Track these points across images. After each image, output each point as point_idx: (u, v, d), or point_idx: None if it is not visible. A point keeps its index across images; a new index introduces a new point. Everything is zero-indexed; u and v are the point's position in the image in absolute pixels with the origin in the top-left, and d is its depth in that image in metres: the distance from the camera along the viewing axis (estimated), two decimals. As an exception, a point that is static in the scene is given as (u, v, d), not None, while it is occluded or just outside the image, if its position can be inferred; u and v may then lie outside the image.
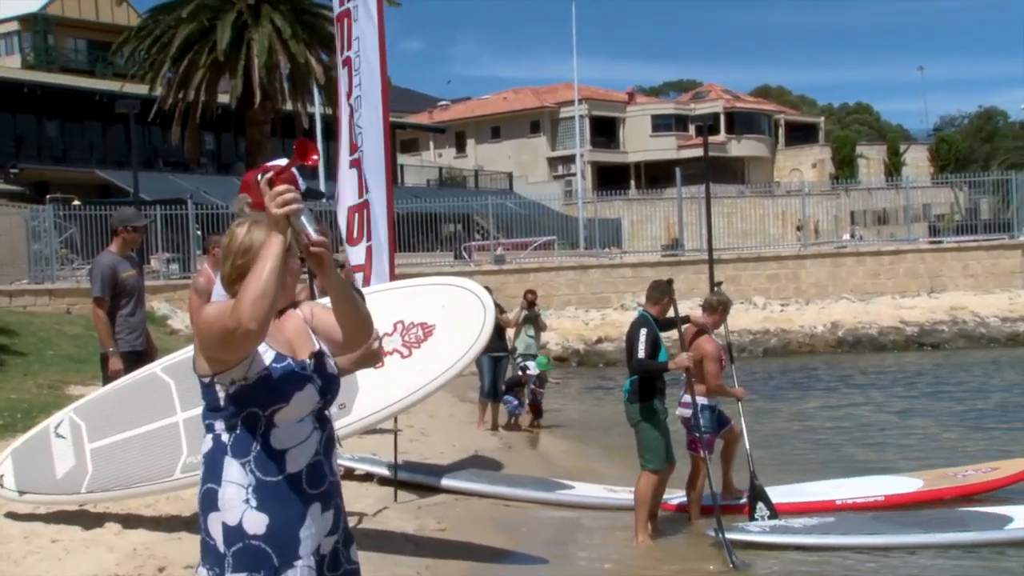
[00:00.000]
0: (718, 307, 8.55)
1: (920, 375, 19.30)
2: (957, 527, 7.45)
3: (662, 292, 8.01)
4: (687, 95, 73.10)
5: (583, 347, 24.40)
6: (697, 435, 7.91)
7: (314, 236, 3.06)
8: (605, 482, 9.79)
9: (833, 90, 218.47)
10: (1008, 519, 7.48)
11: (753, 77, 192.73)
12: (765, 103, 71.37)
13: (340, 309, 3.24)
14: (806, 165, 62.74)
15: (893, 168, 55.41)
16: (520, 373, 13.59)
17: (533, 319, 14.14)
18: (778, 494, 8.37)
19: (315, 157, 3.11)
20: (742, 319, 25.97)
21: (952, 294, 27.31)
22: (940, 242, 31.65)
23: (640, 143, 63.78)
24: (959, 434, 12.55)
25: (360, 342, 3.38)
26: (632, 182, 59.03)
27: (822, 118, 73.47)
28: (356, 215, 8.63)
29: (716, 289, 9.10)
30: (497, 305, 13.57)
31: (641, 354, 7.51)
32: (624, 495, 9.08)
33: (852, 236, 36.89)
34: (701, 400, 8.03)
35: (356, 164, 8.60)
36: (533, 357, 13.88)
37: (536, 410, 13.62)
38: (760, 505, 8.06)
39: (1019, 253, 29.41)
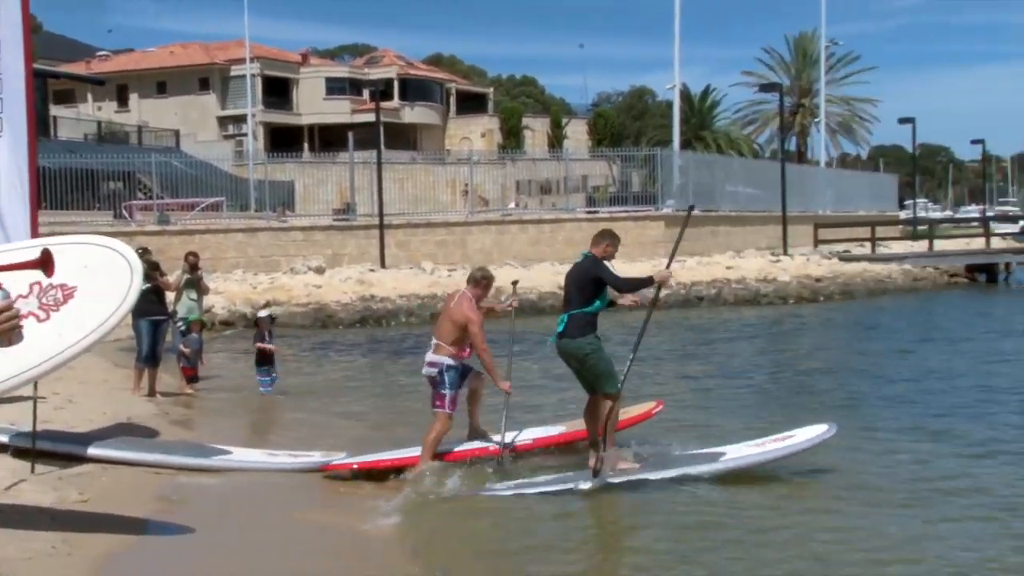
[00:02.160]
0: (482, 281, 9.05)
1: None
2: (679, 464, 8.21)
3: (604, 236, 8.45)
4: (361, 59, 72.96)
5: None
6: (443, 392, 8.51)
7: None
8: (266, 446, 9.72)
9: (502, 62, 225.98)
10: (722, 453, 8.34)
11: (426, 45, 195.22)
12: (438, 71, 72.63)
13: None
14: (476, 134, 64.61)
15: (556, 140, 58.29)
16: (183, 338, 13.13)
17: (195, 282, 13.69)
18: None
19: None
20: (411, 283, 26.48)
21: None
22: (596, 212, 33.75)
23: (314, 106, 63.01)
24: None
25: None
26: (305, 145, 58.30)
27: (491, 89, 75.83)
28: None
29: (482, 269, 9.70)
30: (156, 266, 13.10)
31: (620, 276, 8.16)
32: (284, 459, 9.07)
33: (517, 205, 38.50)
34: (448, 360, 8.56)
35: (-10, 110, 7.94)
36: (197, 321, 13.47)
37: (191, 374, 13.17)
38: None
39: (662, 224, 31.96)
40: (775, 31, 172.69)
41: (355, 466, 8.63)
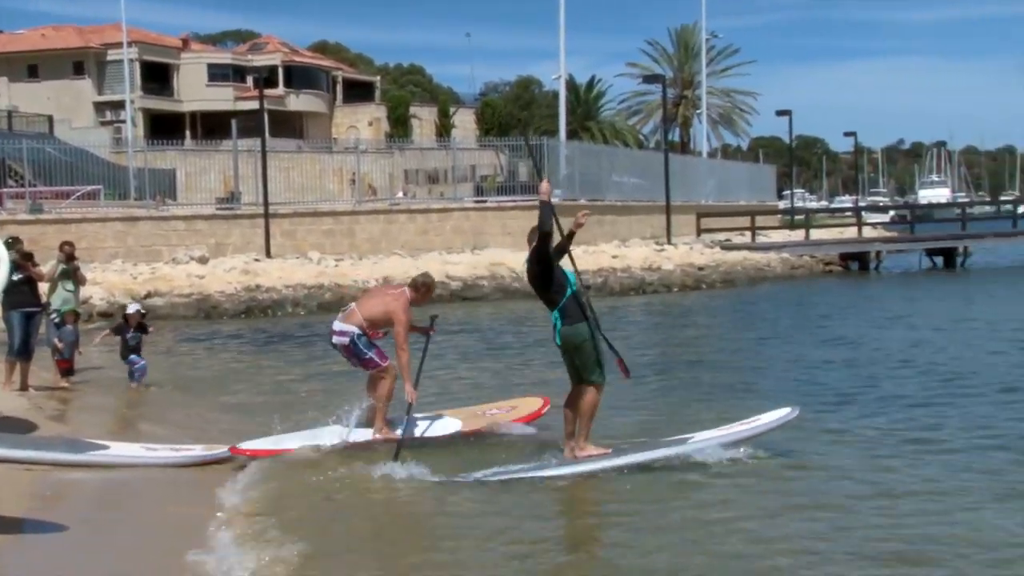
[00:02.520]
0: (422, 287, 9.08)
1: (468, 324, 20.45)
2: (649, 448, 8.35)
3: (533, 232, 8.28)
4: (244, 46, 71.53)
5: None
6: (366, 356, 8.78)
7: None
8: (146, 440, 9.49)
9: (389, 50, 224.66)
10: (690, 437, 8.50)
11: (312, 32, 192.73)
12: (323, 59, 71.70)
13: None
14: (363, 123, 64.00)
15: (444, 129, 58.11)
16: (58, 332, 12.69)
17: (71, 272, 13.24)
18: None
19: None
20: (297, 273, 26.14)
21: (492, 251, 29.35)
22: (484, 201, 33.81)
23: (196, 92, 61.55)
24: (480, 375, 13.61)
25: None
26: (187, 132, 56.93)
27: (378, 77, 75.22)
28: None
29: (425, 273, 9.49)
30: (29, 256, 12.63)
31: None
32: (166, 453, 8.87)
33: (405, 194, 38.31)
34: (356, 330, 8.81)
35: None
36: (71, 312, 13.04)
37: (65, 367, 12.75)
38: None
39: (550, 213, 32.19)
40: (659, 23, 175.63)
41: (249, 453, 8.56)
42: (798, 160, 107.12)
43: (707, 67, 56.40)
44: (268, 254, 28.28)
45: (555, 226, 8.14)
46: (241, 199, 32.50)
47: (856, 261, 34.85)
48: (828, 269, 33.86)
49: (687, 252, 32.10)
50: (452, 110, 64.38)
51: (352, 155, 37.24)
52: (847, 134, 55.99)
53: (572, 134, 45.14)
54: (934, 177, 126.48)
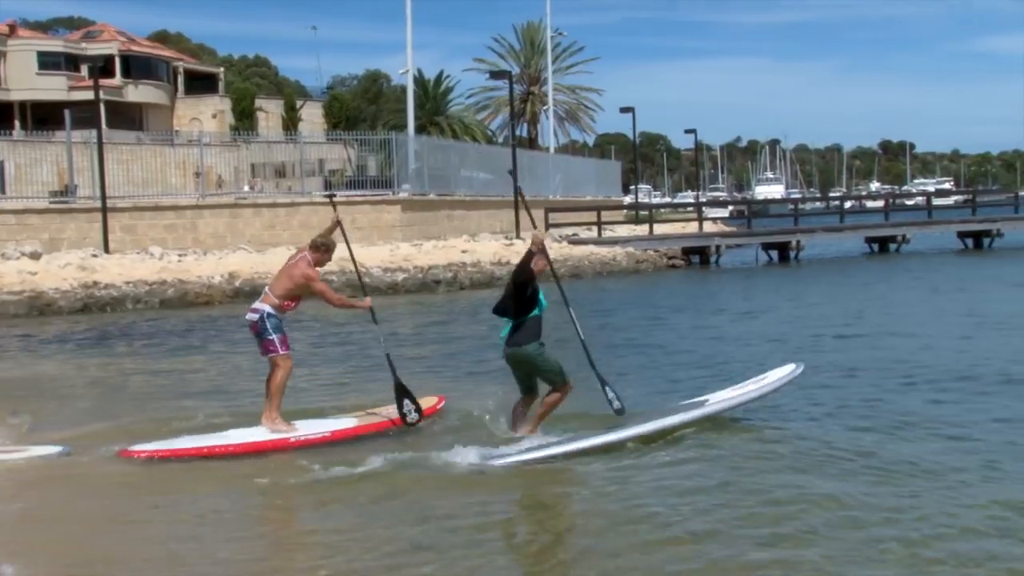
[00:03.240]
0: (322, 247, 9.63)
1: (318, 321, 20.20)
2: (670, 414, 9.02)
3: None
4: (77, 33, 68.54)
5: None
6: (269, 338, 9.03)
7: None
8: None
9: (233, 41, 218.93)
10: (705, 400, 9.31)
11: (150, 21, 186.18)
12: (163, 49, 69.40)
13: None
14: (207, 115, 62.29)
15: (291, 123, 57.09)
16: None
17: None
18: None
19: None
20: (138, 269, 25.35)
21: (342, 246, 29.00)
22: (333, 196, 33.40)
23: (25, 81, 58.63)
24: (355, 375, 13.54)
25: None
26: (16, 122, 54.28)
27: (222, 69, 73.29)
28: None
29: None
30: None
31: None
32: None
33: (252, 188, 37.54)
34: (269, 309, 9.13)
35: None
36: None
37: None
38: (407, 401, 9.25)
39: (399, 208, 32.18)
40: (505, 19, 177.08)
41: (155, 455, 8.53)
42: (643, 156, 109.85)
43: (553, 64, 57.16)
44: (107, 249, 27.29)
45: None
46: (77, 192, 31.21)
47: (697, 255, 36.00)
48: (671, 264, 34.88)
49: (500, 247, 32.29)
50: (299, 103, 63.26)
51: (196, 148, 36.24)
52: (688, 131, 57.76)
53: (421, 129, 45.04)
54: (769, 174, 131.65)
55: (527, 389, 8.90)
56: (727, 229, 43.84)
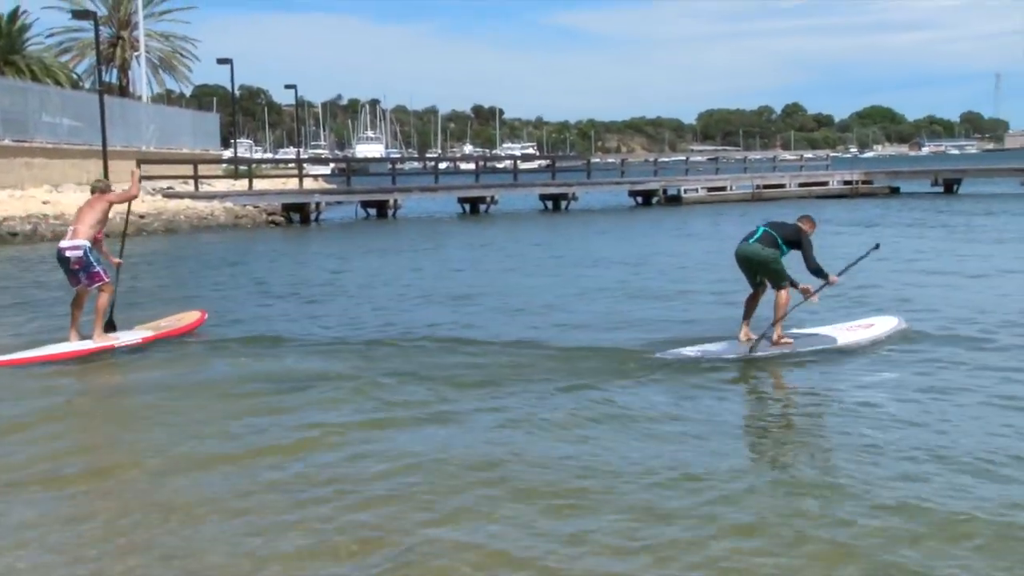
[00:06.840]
0: (107, 190, 11.47)
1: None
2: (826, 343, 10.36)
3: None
4: None
5: None
6: (95, 270, 10.66)
7: None
8: None
9: None
10: (833, 338, 10.45)
11: None
12: None
13: None
14: None
15: None
16: None
17: None
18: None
19: None
20: None
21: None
22: None
23: None
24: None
25: None
26: None
27: None
28: None
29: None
30: None
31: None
32: None
33: None
34: (87, 244, 10.69)
35: None
36: None
37: None
38: None
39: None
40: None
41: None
42: (244, 110, 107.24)
43: (144, 9, 54.29)
44: None
45: None
46: None
47: (298, 212, 36.03)
48: (271, 220, 34.64)
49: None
50: None
51: None
52: (288, 87, 57.67)
53: (-6, 68, 41.09)
54: (370, 133, 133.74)
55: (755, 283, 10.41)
56: (328, 187, 44.23)
